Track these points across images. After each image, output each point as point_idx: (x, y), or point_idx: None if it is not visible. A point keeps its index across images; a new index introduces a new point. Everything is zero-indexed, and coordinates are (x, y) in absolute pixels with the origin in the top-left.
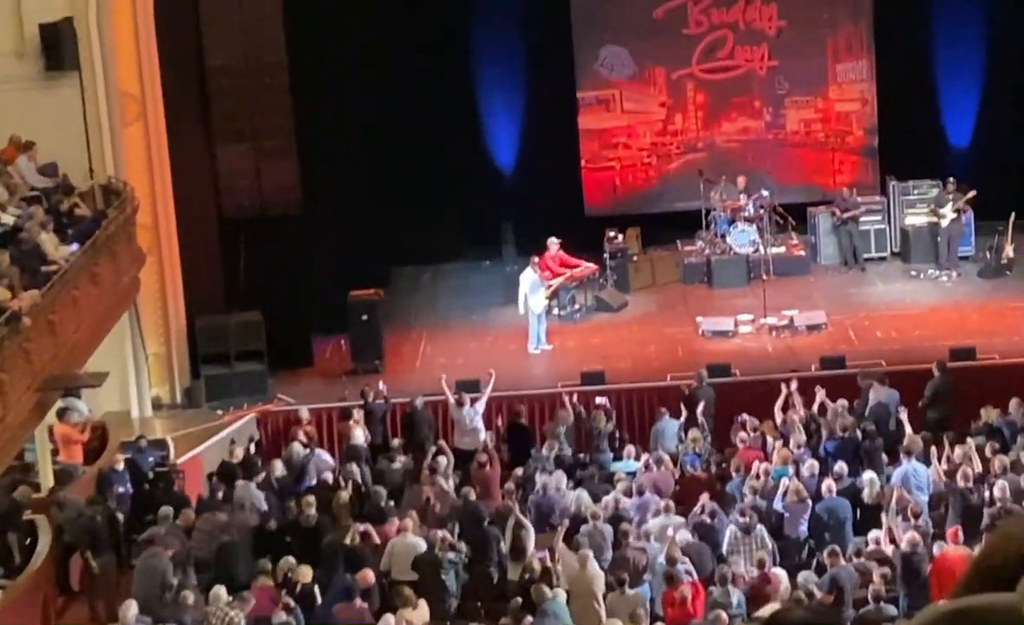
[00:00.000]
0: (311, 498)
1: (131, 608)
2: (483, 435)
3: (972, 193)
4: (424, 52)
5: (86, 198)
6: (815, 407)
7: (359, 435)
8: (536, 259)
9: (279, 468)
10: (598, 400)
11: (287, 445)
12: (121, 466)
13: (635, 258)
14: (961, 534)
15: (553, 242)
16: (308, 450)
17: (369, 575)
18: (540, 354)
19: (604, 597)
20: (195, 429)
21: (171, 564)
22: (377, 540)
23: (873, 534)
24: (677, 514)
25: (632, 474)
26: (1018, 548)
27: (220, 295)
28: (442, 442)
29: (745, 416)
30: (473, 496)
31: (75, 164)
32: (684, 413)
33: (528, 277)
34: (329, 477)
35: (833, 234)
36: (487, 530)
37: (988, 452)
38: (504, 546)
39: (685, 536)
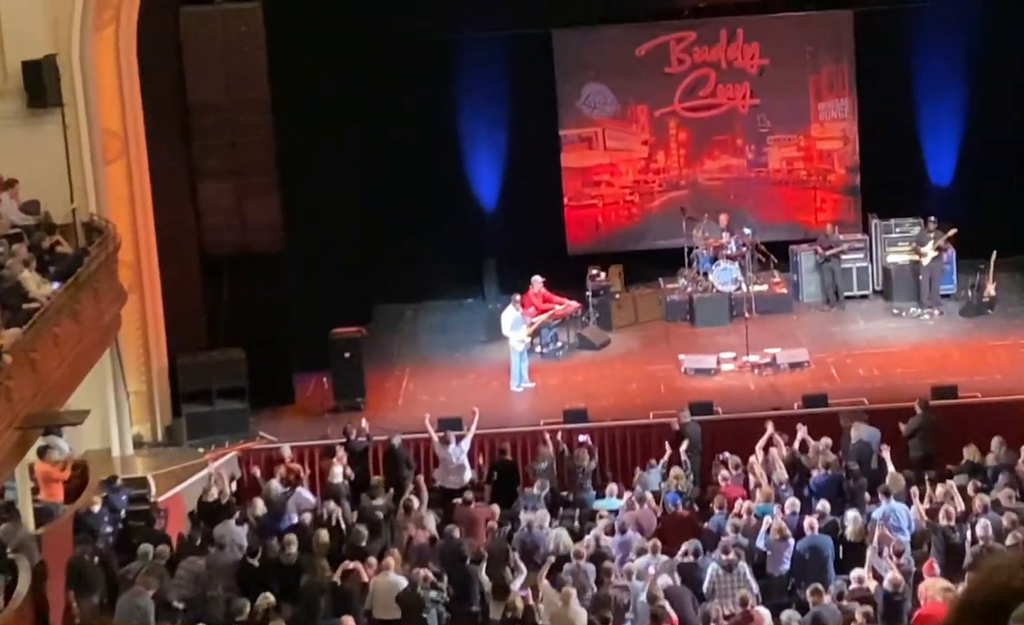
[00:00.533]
0: (292, 537)
1: None
2: (468, 473)
3: (953, 231)
4: (407, 89)
5: (68, 235)
6: (796, 445)
7: (338, 473)
8: (518, 297)
9: (260, 506)
10: (581, 438)
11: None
12: (97, 507)
13: (617, 296)
14: (937, 567)
15: (537, 280)
16: (288, 488)
17: (349, 621)
18: (522, 392)
19: None
20: (176, 467)
21: (153, 605)
22: (365, 578)
23: (855, 573)
24: (661, 552)
25: (614, 512)
26: (1003, 585)
27: (202, 332)
28: (419, 479)
29: (727, 454)
30: (456, 534)
31: (57, 201)
32: (668, 450)
33: (509, 315)
34: (308, 517)
35: (815, 272)
36: (469, 568)
37: (971, 491)
38: (487, 585)
39: (666, 580)
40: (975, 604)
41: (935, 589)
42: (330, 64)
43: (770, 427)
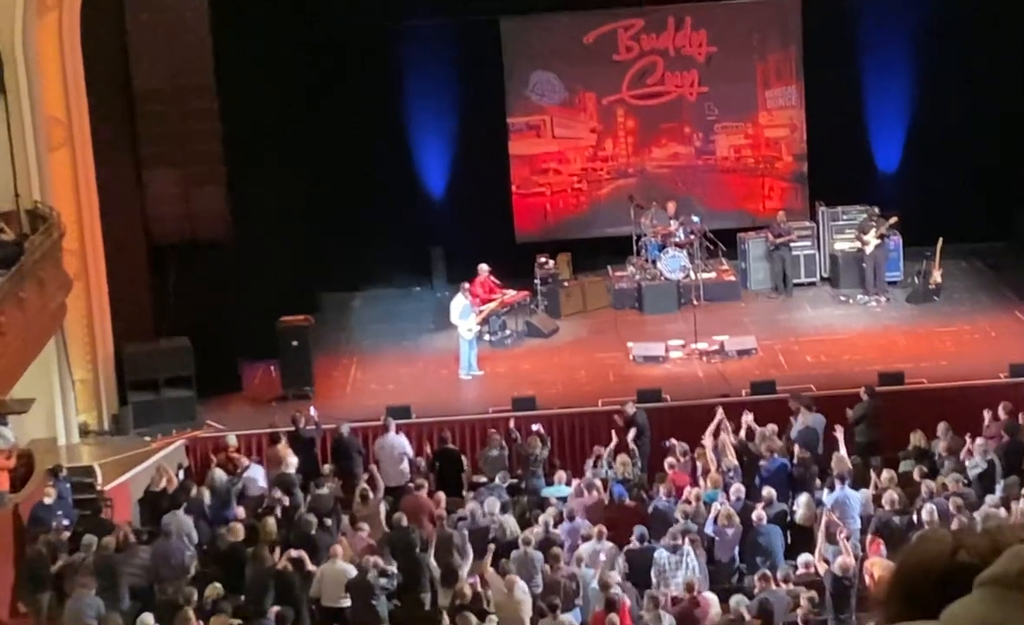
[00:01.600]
0: (238, 525)
1: None
2: (405, 465)
3: (894, 218)
4: (354, 77)
5: (12, 223)
6: (743, 432)
7: (291, 462)
8: (467, 285)
9: (207, 495)
10: (534, 426)
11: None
12: (50, 500)
13: (566, 284)
14: (883, 547)
15: (483, 268)
16: (231, 477)
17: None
18: (471, 380)
19: (535, 622)
20: (123, 456)
21: (98, 603)
22: (310, 566)
23: (803, 558)
24: (607, 540)
25: (563, 499)
26: (931, 552)
27: (148, 321)
28: (373, 468)
29: (674, 441)
30: (405, 522)
31: (1, 189)
32: (615, 439)
33: (459, 303)
34: (241, 511)
35: (764, 259)
36: (418, 556)
37: (916, 476)
38: (436, 572)
39: (622, 566)
40: (907, 573)
41: (881, 567)
42: (277, 51)
43: (719, 413)
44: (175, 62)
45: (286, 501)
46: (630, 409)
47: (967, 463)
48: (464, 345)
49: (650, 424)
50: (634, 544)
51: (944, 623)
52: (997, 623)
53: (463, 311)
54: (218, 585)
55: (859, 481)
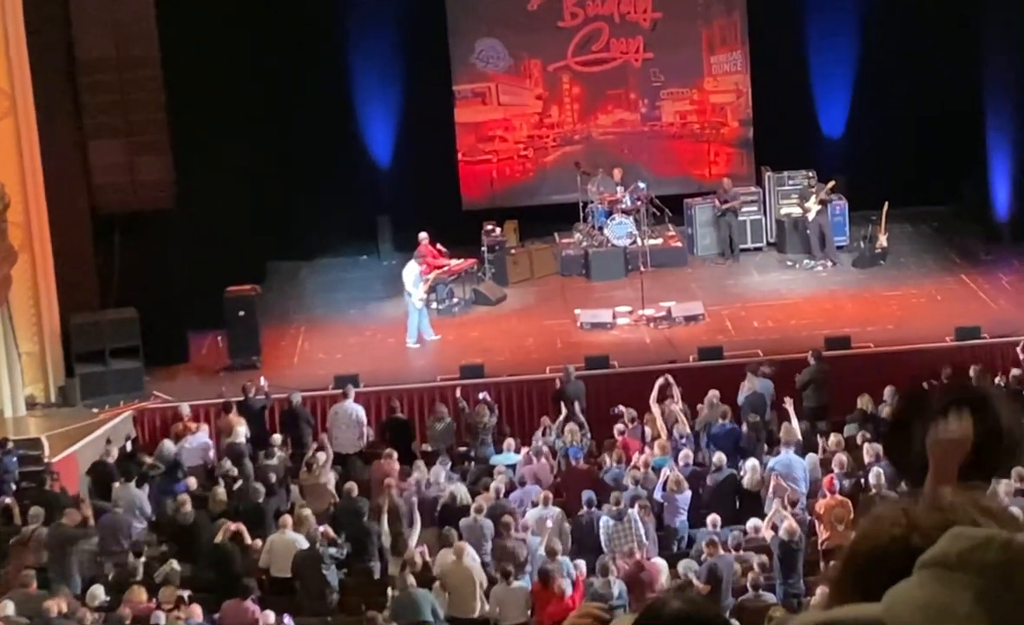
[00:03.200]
0: (186, 496)
1: (6, 608)
2: (360, 432)
3: (831, 183)
4: (299, 45)
5: None
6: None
7: (241, 432)
8: (420, 253)
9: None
10: (481, 395)
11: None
12: None
13: (513, 251)
14: (837, 483)
15: (423, 236)
16: (179, 448)
17: None
18: (418, 348)
19: (488, 589)
20: (70, 428)
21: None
22: (249, 540)
23: (751, 523)
24: (557, 505)
25: (512, 467)
26: (885, 534)
27: (94, 292)
28: (323, 437)
29: (622, 407)
30: (355, 492)
31: None
32: (563, 410)
33: (411, 270)
34: (192, 481)
35: (711, 225)
36: (367, 525)
37: (859, 440)
38: (386, 541)
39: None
40: (859, 555)
41: (832, 514)
42: (221, 19)
43: (662, 379)
44: (119, 31)
45: (235, 471)
46: (564, 379)
47: None
48: (414, 313)
49: (598, 391)
50: (583, 510)
51: (887, 607)
52: (942, 606)
53: (415, 279)
54: (175, 563)
55: (807, 445)
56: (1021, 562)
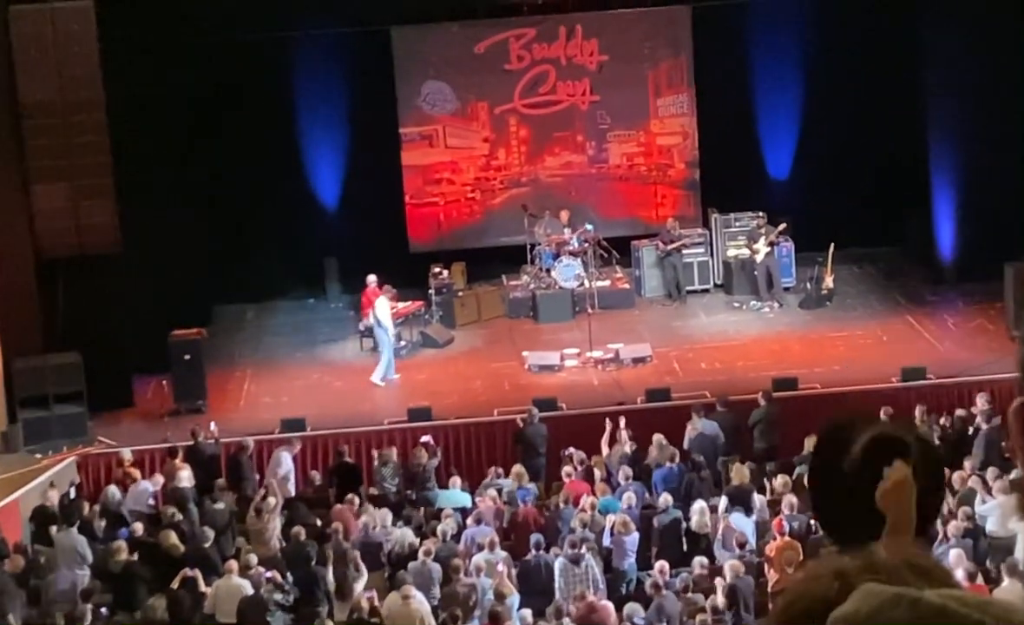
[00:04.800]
0: (122, 544)
1: None
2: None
3: (782, 225)
4: (245, 88)
5: None
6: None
7: (184, 477)
8: (392, 290)
9: (98, 514)
10: (423, 438)
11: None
12: None
13: (460, 293)
14: (786, 525)
15: (371, 279)
16: (123, 494)
17: None
18: (384, 386)
19: None
20: (13, 474)
21: None
22: (203, 587)
23: (698, 560)
24: (504, 549)
25: (460, 509)
26: (822, 596)
27: (37, 336)
28: (271, 482)
29: (572, 449)
30: (303, 537)
31: None
32: (517, 449)
33: (385, 306)
34: (138, 527)
35: (657, 267)
36: (315, 570)
37: (807, 482)
38: (331, 586)
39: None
40: (792, 615)
41: (783, 556)
42: (166, 63)
43: (609, 423)
44: (62, 75)
45: (179, 516)
46: (528, 419)
47: None
48: (387, 350)
49: (546, 433)
50: (531, 553)
51: None
52: None
53: (389, 315)
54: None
55: (756, 486)
56: (930, 618)
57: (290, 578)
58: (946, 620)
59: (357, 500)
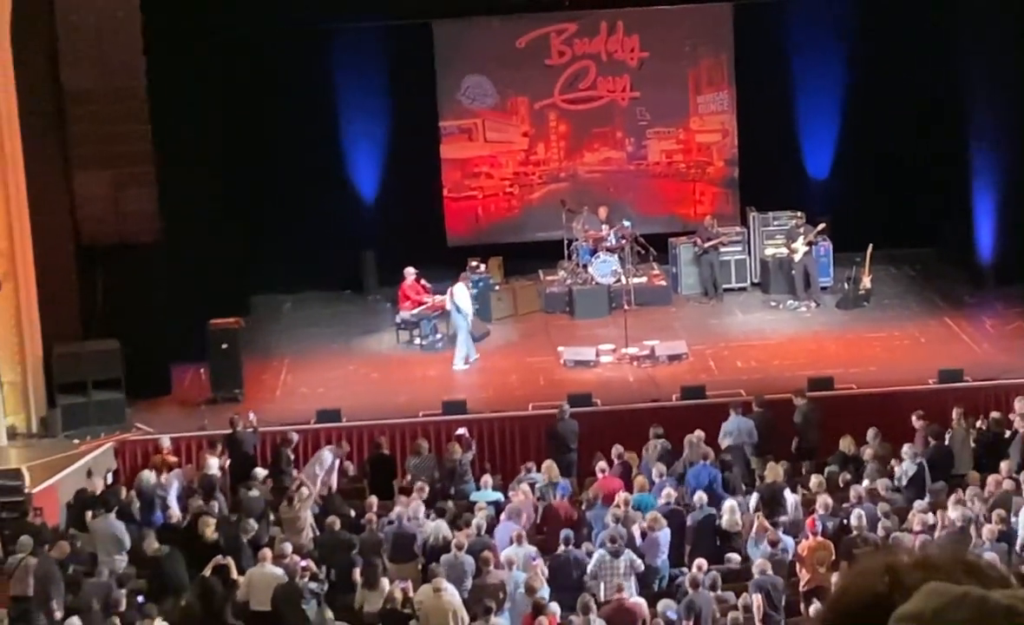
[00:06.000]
0: (150, 531)
1: None
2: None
3: (821, 225)
4: (286, 79)
5: None
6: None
7: (214, 465)
8: (468, 274)
9: (135, 499)
10: (458, 431)
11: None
12: None
13: (497, 288)
14: (819, 524)
15: (409, 271)
16: (158, 480)
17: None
18: (467, 369)
19: None
20: (51, 459)
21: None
22: (235, 574)
23: (731, 557)
24: (537, 543)
25: (492, 503)
26: (871, 590)
27: (77, 323)
28: (312, 473)
29: (620, 446)
30: (337, 526)
31: None
32: (549, 445)
33: (464, 291)
34: (175, 511)
35: (694, 264)
36: (351, 560)
37: (841, 482)
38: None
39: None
40: (841, 610)
41: (815, 556)
42: (208, 53)
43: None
44: (105, 63)
45: (214, 507)
46: (559, 415)
47: (895, 469)
48: (464, 334)
49: (580, 428)
50: (560, 548)
51: None
52: None
53: (470, 299)
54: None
55: (789, 486)
56: (996, 619)
57: (324, 567)
58: (1014, 620)
59: (426, 489)
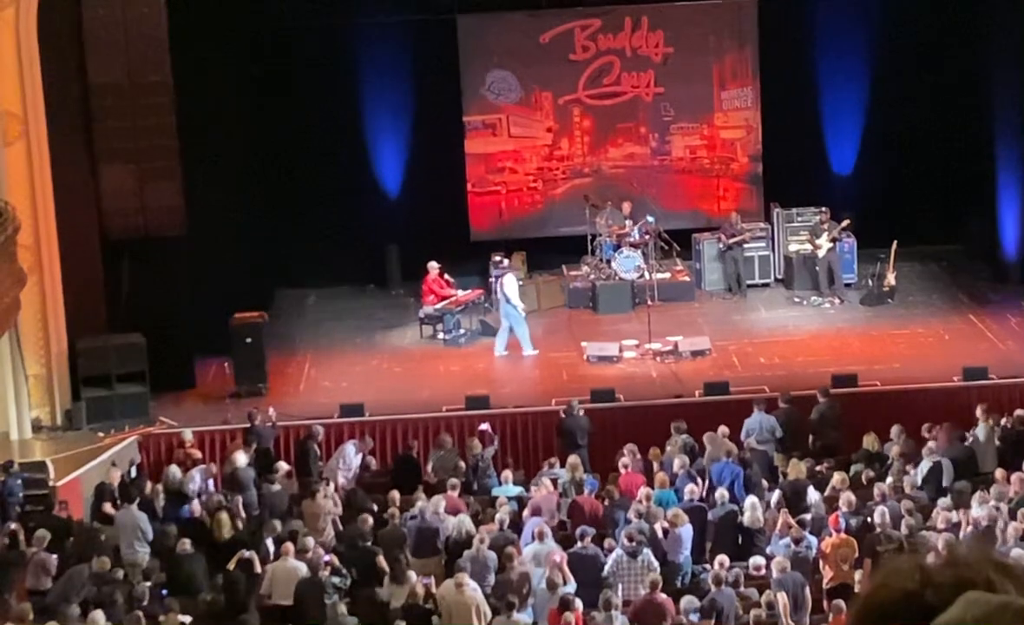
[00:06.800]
0: (173, 527)
1: None
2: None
3: (846, 222)
4: (310, 74)
5: None
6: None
7: (242, 459)
8: (513, 267)
9: (160, 493)
10: (481, 426)
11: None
12: None
13: (520, 283)
14: (842, 521)
15: (433, 266)
16: (184, 475)
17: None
18: (536, 355)
19: (490, 621)
20: (76, 451)
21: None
22: (259, 568)
23: (753, 560)
24: (561, 539)
25: (513, 498)
26: (902, 588)
27: (102, 316)
28: (331, 468)
29: (634, 445)
30: (360, 521)
31: None
32: (557, 441)
33: (513, 283)
34: (197, 506)
35: (718, 260)
36: (371, 554)
37: (864, 479)
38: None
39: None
40: (872, 608)
41: (838, 553)
42: (233, 48)
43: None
44: (131, 57)
45: (239, 502)
46: (567, 410)
47: (919, 466)
48: (521, 325)
49: (603, 425)
50: (578, 545)
51: None
52: None
53: (518, 291)
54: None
55: (813, 484)
56: None
57: (346, 563)
58: None
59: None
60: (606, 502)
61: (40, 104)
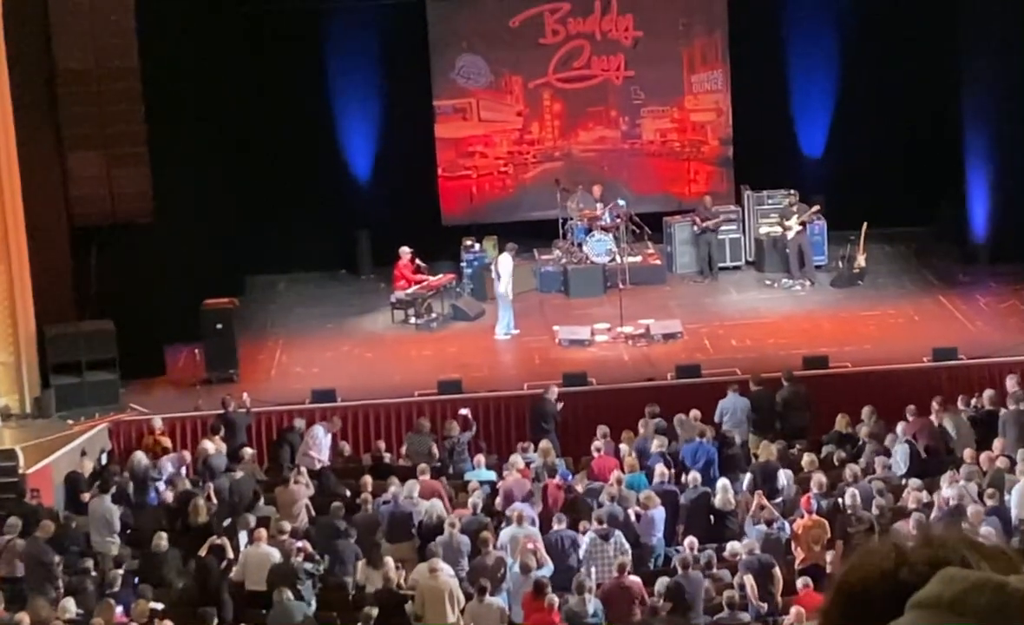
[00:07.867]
0: (148, 511)
1: None
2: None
3: (816, 206)
4: (279, 58)
5: None
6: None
7: (210, 447)
8: (514, 245)
9: (128, 480)
10: (461, 411)
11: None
12: None
13: (492, 266)
14: (813, 503)
15: (404, 251)
16: (152, 462)
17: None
18: (508, 339)
19: (463, 606)
20: (45, 439)
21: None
22: (231, 554)
23: (731, 547)
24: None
25: (485, 483)
26: (879, 577)
27: (70, 303)
28: (306, 455)
29: (605, 427)
30: (332, 507)
31: None
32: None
33: (508, 263)
34: (168, 494)
35: (690, 243)
36: (343, 540)
37: (836, 460)
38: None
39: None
40: (848, 588)
41: (809, 535)
42: (201, 33)
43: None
44: (98, 43)
45: (210, 489)
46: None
47: (890, 447)
48: (506, 305)
49: (576, 408)
50: (552, 528)
51: None
52: None
53: (513, 270)
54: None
55: (784, 464)
56: (1015, 606)
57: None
58: None
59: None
60: (578, 486)
61: (6, 90)
